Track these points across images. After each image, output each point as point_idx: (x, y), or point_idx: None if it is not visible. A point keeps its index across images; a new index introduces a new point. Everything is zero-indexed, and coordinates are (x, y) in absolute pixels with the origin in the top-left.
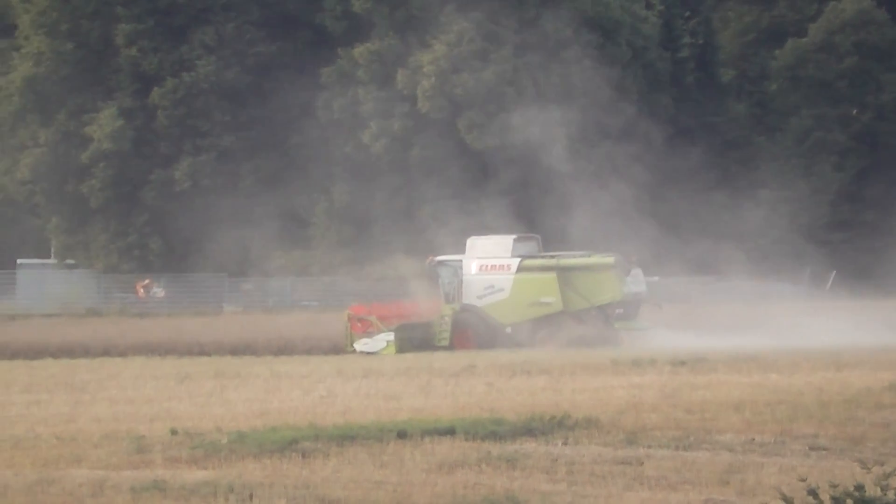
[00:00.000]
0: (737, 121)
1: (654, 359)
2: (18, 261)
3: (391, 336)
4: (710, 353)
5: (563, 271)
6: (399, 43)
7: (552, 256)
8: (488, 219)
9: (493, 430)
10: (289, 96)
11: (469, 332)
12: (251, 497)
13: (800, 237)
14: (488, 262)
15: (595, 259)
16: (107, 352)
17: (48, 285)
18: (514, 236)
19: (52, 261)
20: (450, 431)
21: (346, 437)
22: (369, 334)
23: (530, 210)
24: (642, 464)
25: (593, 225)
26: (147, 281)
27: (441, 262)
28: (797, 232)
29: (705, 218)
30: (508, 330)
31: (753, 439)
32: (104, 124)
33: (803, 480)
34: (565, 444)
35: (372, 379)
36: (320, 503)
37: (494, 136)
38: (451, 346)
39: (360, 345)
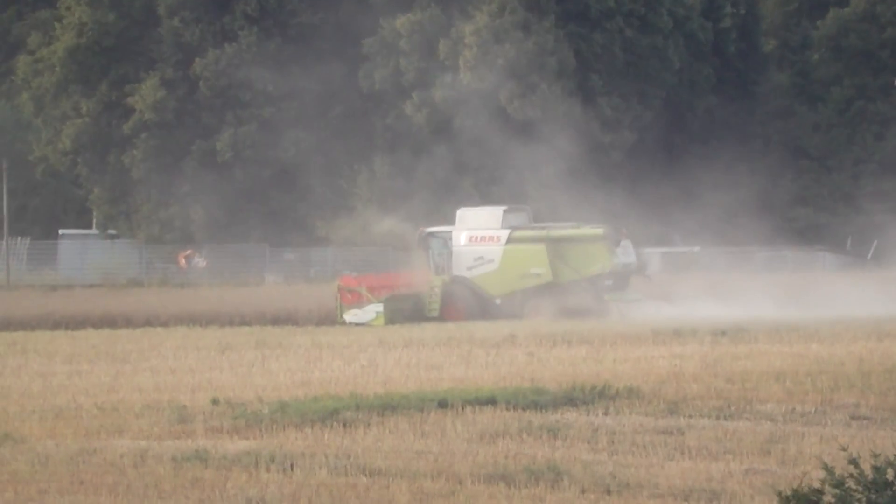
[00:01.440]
0: (778, 91)
1: (695, 329)
2: (60, 231)
3: (380, 307)
4: (751, 324)
5: (553, 243)
6: (441, 13)
7: (542, 228)
8: (530, 189)
9: (534, 400)
10: (330, 67)
11: (459, 304)
12: (292, 467)
13: (842, 206)
14: (478, 234)
15: (585, 230)
16: (148, 322)
17: (90, 256)
18: (504, 207)
19: (93, 231)
20: (491, 401)
21: (387, 406)
22: (359, 305)
23: (574, 180)
24: (683, 433)
25: (633, 195)
26: (189, 251)
27: (431, 234)
28: (839, 201)
29: (747, 187)
30: (498, 301)
31: (794, 409)
32: (146, 95)
33: (844, 450)
34: (606, 413)
35: (413, 349)
36: (361, 473)
37: (536, 107)
38: (440, 318)
39: (349, 316)
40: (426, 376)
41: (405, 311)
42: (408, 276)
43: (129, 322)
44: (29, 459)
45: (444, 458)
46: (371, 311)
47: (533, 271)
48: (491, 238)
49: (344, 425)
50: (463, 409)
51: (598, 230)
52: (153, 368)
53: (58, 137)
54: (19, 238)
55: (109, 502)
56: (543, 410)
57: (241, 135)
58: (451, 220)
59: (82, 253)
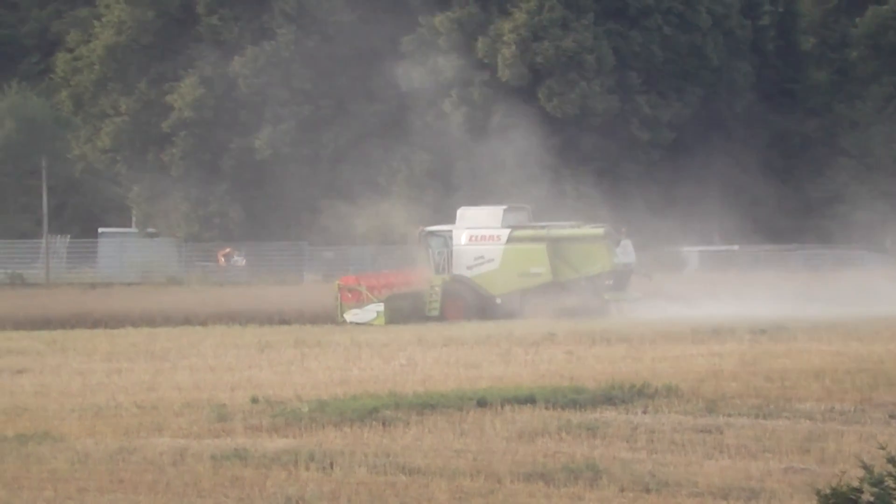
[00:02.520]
0: (817, 88)
1: (734, 327)
2: (100, 229)
3: (381, 306)
4: (790, 322)
5: (553, 242)
6: (479, 11)
7: (542, 227)
8: (568, 188)
9: (573, 399)
10: (369, 65)
11: (459, 303)
12: (332, 465)
13: (881, 204)
14: (478, 233)
15: (585, 230)
16: (187, 320)
17: (129, 254)
18: (504, 206)
19: (133, 229)
20: (530, 400)
21: (426, 405)
22: (359, 305)
23: (613, 178)
24: (722, 432)
25: (671, 192)
26: (228, 249)
27: (431, 233)
28: (878, 199)
29: (785, 185)
30: (498, 300)
31: (833, 408)
32: (185, 93)
33: (883, 448)
34: (645, 412)
35: (452, 347)
36: (401, 471)
37: (574, 105)
38: (441, 317)
39: (350, 315)
40: (465, 375)
41: (405, 310)
42: (408, 275)
43: (168, 320)
44: (68, 458)
45: (483, 456)
46: (371, 310)
47: (533, 270)
48: (491, 237)
49: (383, 424)
50: (502, 407)
51: (598, 230)
52: (192, 367)
53: (97, 135)
54: (59, 236)
55: (149, 501)
56: (582, 409)
57: (280, 132)
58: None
59: (121, 251)
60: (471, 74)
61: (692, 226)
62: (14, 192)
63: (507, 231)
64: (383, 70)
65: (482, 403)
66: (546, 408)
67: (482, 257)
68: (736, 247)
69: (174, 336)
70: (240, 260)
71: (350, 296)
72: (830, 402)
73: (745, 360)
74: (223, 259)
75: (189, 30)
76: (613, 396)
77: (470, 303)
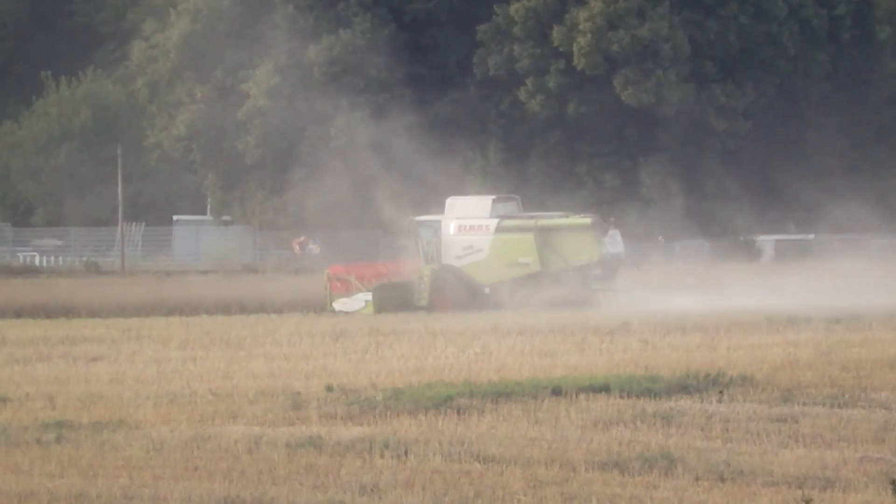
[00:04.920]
0: (893, 78)
1: (809, 316)
2: (175, 217)
3: (369, 296)
4: (866, 311)
5: (541, 232)
6: (555, 0)
7: (530, 217)
8: (643, 176)
9: (648, 387)
10: (444, 53)
11: (448, 293)
12: (406, 453)
13: None
14: (467, 223)
15: (572, 220)
16: (263, 308)
17: (204, 242)
18: (493, 197)
19: (208, 217)
20: (605, 388)
21: (501, 393)
22: (348, 294)
23: (688, 168)
24: (797, 421)
25: (747, 182)
26: (303, 237)
27: (420, 222)
28: None
29: (861, 174)
30: (487, 290)
31: None
32: (260, 81)
33: None
34: (720, 401)
35: (527, 336)
36: (475, 460)
37: (650, 94)
38: (429, 307)
39: (338, 304)
40: (540, 363)
41: (394, 299)
42: (397, 264)
43: (243, 308)
44: (143, 445)
45: (558, 445)
46: (360, 299)
47: (521, 260)
48: (480, 227)
49: (458, 412)
50: (577, 396)
51: (586, 220)
52: (267, 355)
53: (172, 123)
54: (134, 224)
55: (223, 488)
56: (657, 398)
57: (355, 121)
58: (568, 208)
59: (196, 239)
60: (546, 63)
61: (768, 215)
62: (90, 181)
63: (496, 221)
64: (459, 58)
65: (557, 392)
66: (621, 396)
67: (471, 247)
68: (811, 236)
69: (249, 324)
70: (314, 248)
71: (339, 285)
72: None
73: (821, 349)
74: (298, 247)
75: (264, 18)
76: (688, 385)
77: (458, 293)
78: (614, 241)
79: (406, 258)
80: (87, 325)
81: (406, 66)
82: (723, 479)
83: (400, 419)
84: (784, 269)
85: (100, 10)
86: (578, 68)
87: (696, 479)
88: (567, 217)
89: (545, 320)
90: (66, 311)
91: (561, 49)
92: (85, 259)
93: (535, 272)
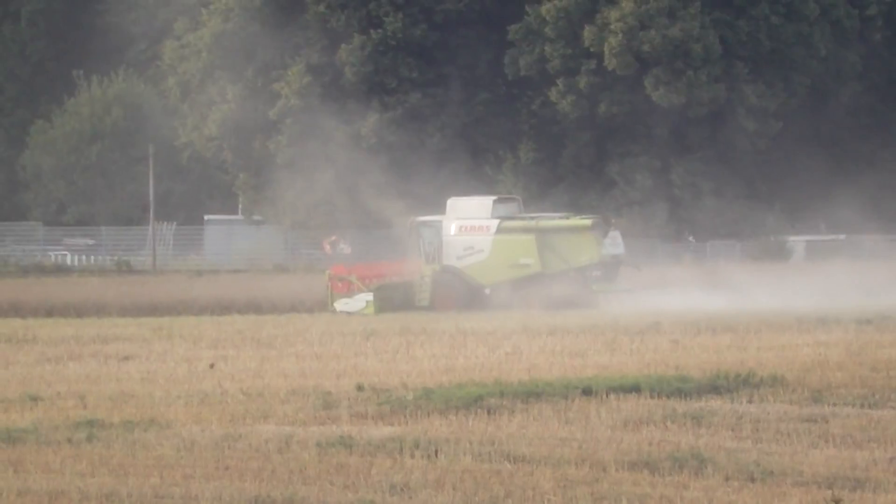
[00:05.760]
0: None
1: (839, 317)
2: (206, 216)
3: (370, 296)
4: None
5: (542, 233)
6: (586, 0)
7: (531, 218)
8: (674, 177)
9: (678, 388)
10: (476, 54)
11: (448, 293)
12: (437, 453)
13: None
14: (468, 223)
15: (573, 221)
16: (294, 308)
17: (235, 241)
18: (494, 197)
19: (239, 216)
20: (635, 388)
21: (531, 393)
22: (349, 294)
23: (719, 168)
24: (828, 421)
25: (778, 182)
26: (334, 237)
27: (422, 223)
28: None
29: (892, 175)
30: (487, 291)
31: None
32: (292, 81)
33: None
34: (750, 401)
35: (557, 336)
36: (506, 459)
37: (681, 94)
38: (430, 307)
39: (340, 304)
40: (570, 363)
41: (395, 300)
42: (398, 265)
43: (274, 308)
44: (174, 444)
45: (588, 445)
46: (361, 300)
47: (522, 261)
48: (481, 228)
49: (488, 412)
50: (607, 396)
51: (587, 221)
52: (298, 354)
53: (204, 123)
54: (165, 223)
55: (254, 488)
56: (687, 398)
57: (386, 121)
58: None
59: (227, 238)
60: (577, 63)
61: (798, 215)
62: (121, 180)
63: (497, 222)
64: (490, 58)
65: (587, 392)
66: (651, 396)
67: (472, 248)
68: (842, 236)
69: (280, 323)
70: (346, 247)
71: (340, 285)
72: None
73: (851, 349)
74: (329, 247)
75: (296, 17)
76: (719, 385)
77: (459, 293)
78: (615, 243)
79: (407, 258)
80: (119, 324)
81: (437, 67)
82: (753, 480)
83: (430, 419)
84: (815, 269)
85: (132, 10)
86: (609, 68)
87: (727, 479)
88: (567, 218)
89: (575, 320)
90: (98, 310)
91: (592, 49)
92: (116, 258)
93: (536, 273)
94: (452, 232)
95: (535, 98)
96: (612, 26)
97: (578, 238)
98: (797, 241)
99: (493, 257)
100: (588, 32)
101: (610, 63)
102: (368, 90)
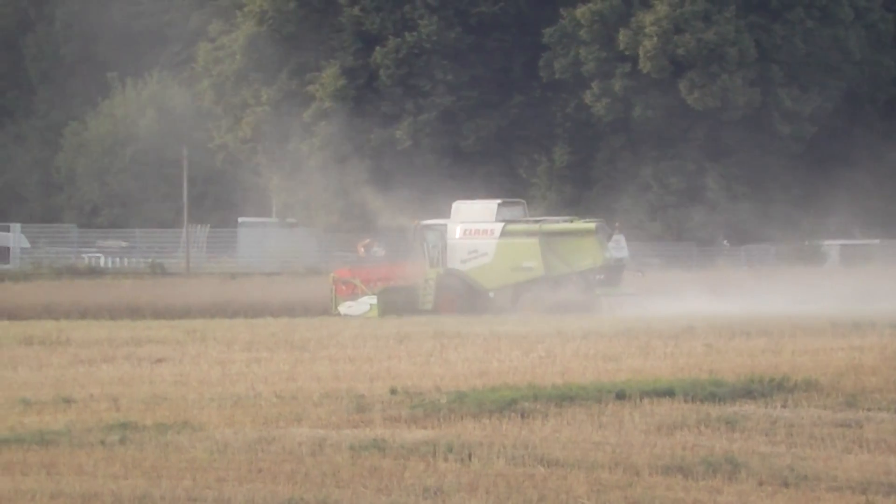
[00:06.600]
0: None
1: (874, 321)
2: (240, 219)
3: (374, 299)
4: None
5: (546, 236)
6: (621, 3)
7: (535, 221)
8: (709, 181)
9: (712, 392)
10: (510, 56)
11: (452, 296)
12: (470, 457)
13: None
14: (472, 227)
15: (577, 225)
16: (327, 311)
17: (269, 244)
18: (498, 201)
19: (272, 219)
20: (669, 392)
21: (564, 397)
22: (353, 297)
23: (754, 172)
24: (862, 426)
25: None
26: (368, 240)
27: (426, 226)
28: None
29: None
30: (491, 294)
31: None
32: (326, 83)
33: None
34: (784, 406)
35: (591, 340)
36: (539, 463)
37: (716, 97)
38: (434, 310)
39: (344, 307)
40: (604, 367)
41: (399, 303)
42: (402, 268)
43: (307, 310)
44: (207, 447)
45: (622, 449)
46: (365, 303)
47: (525, 265)
48: (485, 231)
49: (522, 416)
50: (641, 400)
51: (590, 224)
52: (331, 357)
53: (237, 125)
54: (199, 226)
55: (287, 490)
56: (721, 402)
57: (421, 123)
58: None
59: (261, 241)
60: (612, 66)
61: (833, 220)
62: (155, 182)
63: (501, 225)
64: (525, 61)
65: (621, 396)
66: (685, 401)
67: (476, 251)
68: (877, 241)
69: (314, 326)
70: (379, 250)
71: (345, 288)
72: None
73: (886, 354)
74: (363, 250)
75: (330, 20)
76: (752, 390)
77: (463, 296)
78: (618, 246)
79: (412, 261)
80: (152, 326)
81: (471, 69)
82: (786, 485)
83: (464, 422)
84: (849, 273)
85: (166, 12)
86: (644, 71)
87: (760, 483)
88: (571, 222)
89: (609, 324)
90: (131, 313)
91: (627, 52)
92: (150, 260)
93: (540, 276)
94: (457, 235)
95: (569, 101)
96: (647, 30)
97: (582, 242)
98: (831, 246)
99: (496, 261)
100: (623, 35)
101: (645, 66)
102: (403, 93)
